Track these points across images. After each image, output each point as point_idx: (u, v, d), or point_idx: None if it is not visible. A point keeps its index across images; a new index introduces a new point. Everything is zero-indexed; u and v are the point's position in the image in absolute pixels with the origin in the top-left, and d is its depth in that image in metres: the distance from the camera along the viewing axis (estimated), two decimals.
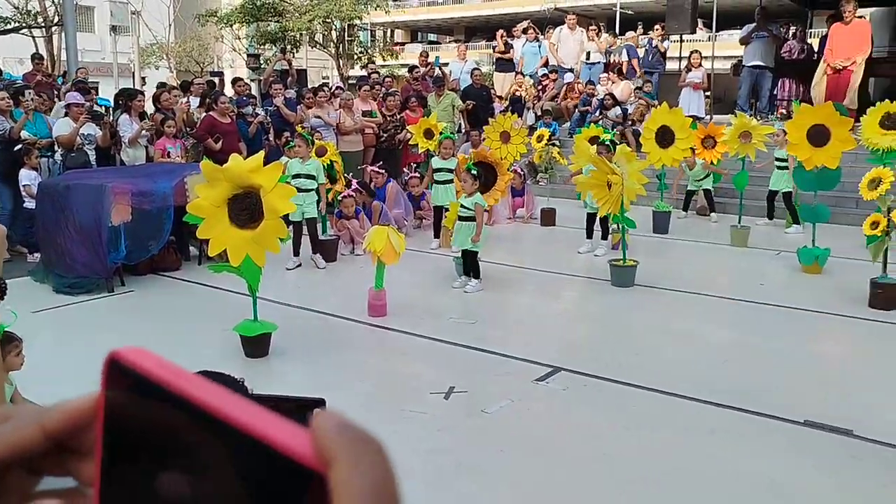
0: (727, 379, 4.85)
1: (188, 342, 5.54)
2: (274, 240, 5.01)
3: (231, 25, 27.69)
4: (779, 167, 9.58)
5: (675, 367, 5.06)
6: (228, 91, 11.90)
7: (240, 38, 31.71)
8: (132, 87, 15.42)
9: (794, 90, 14.09)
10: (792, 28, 15.53)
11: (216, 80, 15.76)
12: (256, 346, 5.21)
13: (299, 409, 1.41)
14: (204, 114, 9.95)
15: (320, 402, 1.42)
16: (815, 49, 14.24)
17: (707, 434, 4.09)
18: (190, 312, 6.40)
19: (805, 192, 8.40)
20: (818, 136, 7.30)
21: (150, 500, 0.37)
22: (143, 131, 8.98)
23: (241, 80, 12.19)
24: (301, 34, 26.62)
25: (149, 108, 10.00)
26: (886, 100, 7.93)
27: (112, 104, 10.46)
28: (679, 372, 4.97)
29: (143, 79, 30.01)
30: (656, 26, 14.78)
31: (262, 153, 5.14)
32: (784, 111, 13.60)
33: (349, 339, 5.74)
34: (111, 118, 9.42)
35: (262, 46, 27.19)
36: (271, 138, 10.82)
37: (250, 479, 0.34)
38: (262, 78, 14.00)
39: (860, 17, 12.28)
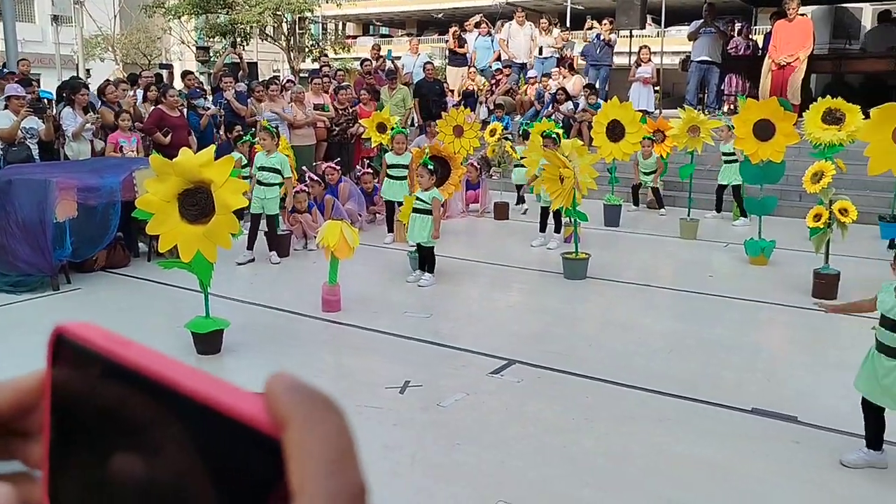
0: (676, 368, 4.95)
1: (140, 340, 5.40)
2: (226, 235, 4.96)
3: (179, 17, 27.19)
4: (726, 161, 9.78)
5: (625, 358, 5.15)
6: (179, 84, 11.70)
7: (189, 31, 31.16)
8: (76, 78, 15.05)
9: (741, 85, 14.41)
10: (738, 24, 15.84)
11: (165, 72, 15.51)
12: (208, 343, 5.15)
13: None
14: (151, 107, 9.77)
15: None
16: (760, 45, 14.56)
17: (657, 423, 4.17)
18: (140, 310, 6.30)
19: (751, 186, 8.59)
20: (763, 130, 7.48)
21: (103, 481, 0.36)
22: (88, 125, 8.78)
23: (191, 73, 11.98)
24: (251, 27, 26.27)
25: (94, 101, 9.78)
26: (828, 95, 8.16)
27: (54, 97, 10.19)
28: (630, 362, 5.06)
29: (88, 71, 29.31)
30: (604, 21, 14.91)
31: (212, 147, 5.08)
32: (731, 106, 13.89)
33: (303, 334, 5.70)
34: (54, 111, 9.19)
35: (211, 39, 26.81)
36: (222, 132, 10.68)
37: (205, 450, 0.33)
38: (212, 71, 13.78)
39: (802, 14, 12.58)
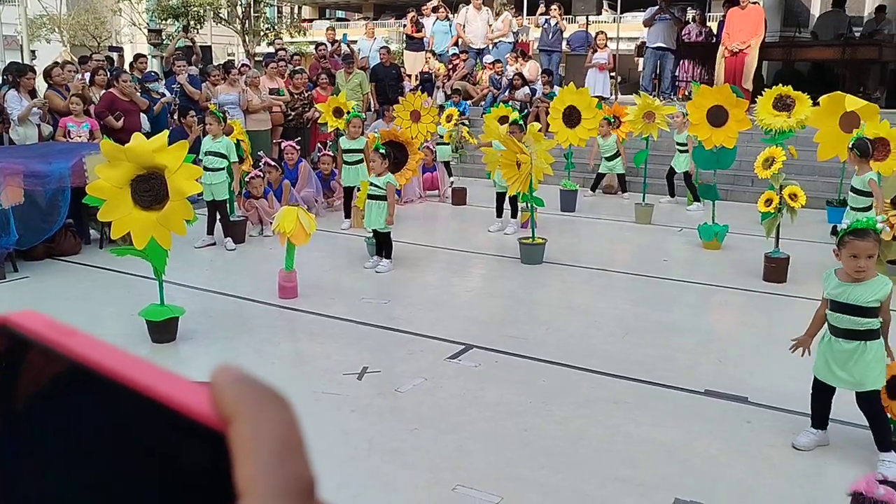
0: (632, 352, 5.03)
1: (91, 328, 5.27)
2: (180, 222, 4.88)
3: None
4: (680, 151, 9.90)
5: (581, 342, 5.21)
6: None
7: (140, 13, 30.47)
8: (21, 61, 14.61)
9: (695, 71, 14.59)
10: (692, 11, 16.02)
11: (115, 55, 15.15)
12: (163, 331, 5.07)
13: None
14: (101, 91, 9.55)
15: None
16: (714, 32, 14.75)
17: (613, 405, 4.23)
18: (91, 298, 6.18)
19: (704, 171, 8.72)
20: (717, 116, 7.60)
21: (41, 472, 0.35)
22: (35, 108, 8.55)
23: (143, 56, 11.72)
24: (205, 9, 25.80)
25: (40, 83, 9.51)
26: (779, 83, 8.30)
27: None
28: (585, 346, 5.12)
29: (33, 52, 28.49)
30: (553, 6, 14.89)
31: (165, 133, 4.98)
32: (685, 92, 14.07)
33: (259, 321, 5.65)
34: None
35: (164, 21, 26.24)
36: (175, 117, 10.49)
37: (147, 444, 0.32)
38: (164, 55, 13.50)
39: (754, 2, 12.77)
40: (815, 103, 8.31)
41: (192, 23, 24.87)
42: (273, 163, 8.91)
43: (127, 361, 0.34)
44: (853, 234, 3.51)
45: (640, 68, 14.70)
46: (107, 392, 0.33)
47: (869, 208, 6.56)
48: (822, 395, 3.73)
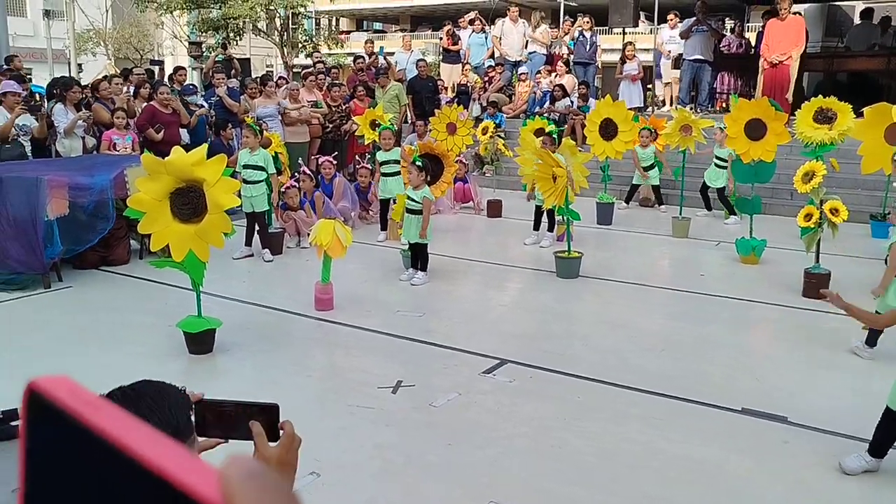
0: (668, 368, 4.97)
1: (130, 339, 5.44)
2: (218, 234, 4.95)
3: (171, 12, 27.08)
4: (718, 166, 9.80)
5: (617, 357, 5.17)
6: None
7: (181, 25, 31.04)
8: (68, 74, 14.96)
9: (733, 84, 14.43)
10: (730, 22, 15.87)
11: (156, 68, 15.45)
12: (200, 342, 5.14)
13: (249, 415, 1.39)
14: (143, 104, 9.75)
15: (272, 408, 1.40)
16: (753, 44, 14.58)
17: (648, 422, 4.19)
18: (131, 309, 6.28)
19: (742, 185, 8.61)
20: (755, 130, 7.50)
21: None
22: (80, 121, 8.75)
23: (183, 68, 11.94)
24: (244, 22, 26.19)
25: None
26: (819, 94, 8.18)
27: (45, 91, 10.14)
28: (621, 361, 5.08)
29: (80, 65, 29.18)
30: (583, 18, 14.87)
31: (205, 146, 5.07)
32: (723, 104, 13.91)
33: (295, 333, 5.70)
34: (45, 107, 9.15)
35: (204, 34, 26.69)
36: (213, 130, 10.66)
37: None
38: (203, 67, 13.74)
39: (795, 13, 12.60)
40: (859, 115, 8.18)
41: (231, 35, 25.28)
42: (308, 172, 9.00)
43: (144, 438, 0.35)
44: None
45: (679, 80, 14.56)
46: (120, 467, 0.34)
47: None
48: (892, 425, 3.56)
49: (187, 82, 11.55)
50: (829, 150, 7.75)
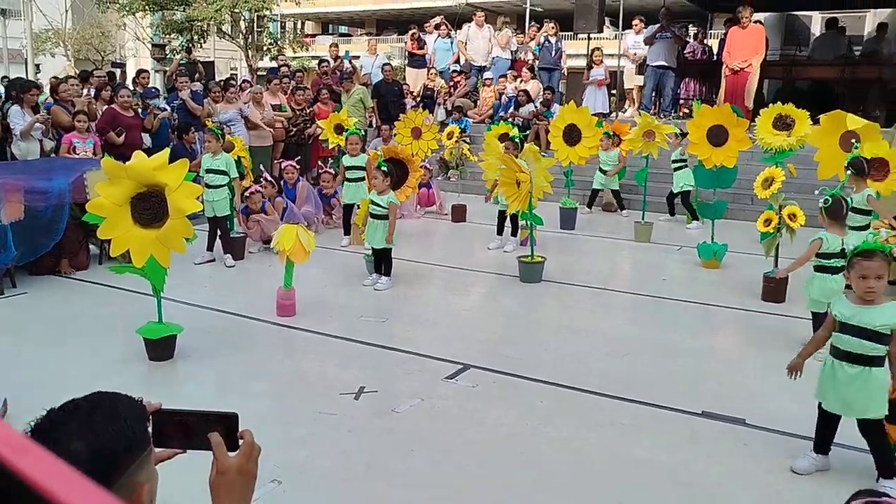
0: (629, 372, 5.01)
1: (88, 346, 5.35)
2: (179, 240, 4.89)
3: (134, 13, 26.70)
4: (675, 168, 9.95)
5: (580, 362, 5.20)
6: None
7: (144, 27, 30.64)
8: (25, 75, 14.67)
9: (697, 90, 14.63)
10: (693, 29, 16.09)
11: (118, 71, 15.24)
12: (161, 348, 5.07)
13: (207, 425, 1.37)
14: (104, 106, 9.60)
15: (231, 417, 1.39)
16: (715, 51, 14.80)
17: (612, 427, 4.21)
18: (90, 315, 6.17)
19: (704, 190, 8.74)
20: (717, 136, 7.61)
21: None
22: (37, 123, 8.58)
23: (146, 71, 11.78)
24: (208, 24, 25.93)
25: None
26: (778, 101, 8.32)
27: (3, 94, 9.94)
28: (584, 366, 5.11)
29: (38, 66, 28.66)
30: (549, 23, 14.97)
31: (167, 150, 5.00)
32: (687, 110, 14.09)
33: (257, 339, 5.65)
34: (1, 110, 8.97)
35: (167, 36, 26.37)
36: (176, 134, 10.54)
37: None
38: (167, 69, 13.58)
39: (756, 21, 12.82)
40: (815, 122, 8.33)
41: (195, 38, 25.01)
42: (271, 179, 8.92)
43: (70, 486, 0.34)
44: (860, 256, 3.48)
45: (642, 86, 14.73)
46: None
47: (867, 227, 6.55)
48: (829, 421, 3.69)
49: (150, 85, 11.41)
50: (787, 156, 7.89)
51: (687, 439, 4.08)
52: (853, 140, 7.28)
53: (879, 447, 3.53)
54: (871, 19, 22.13)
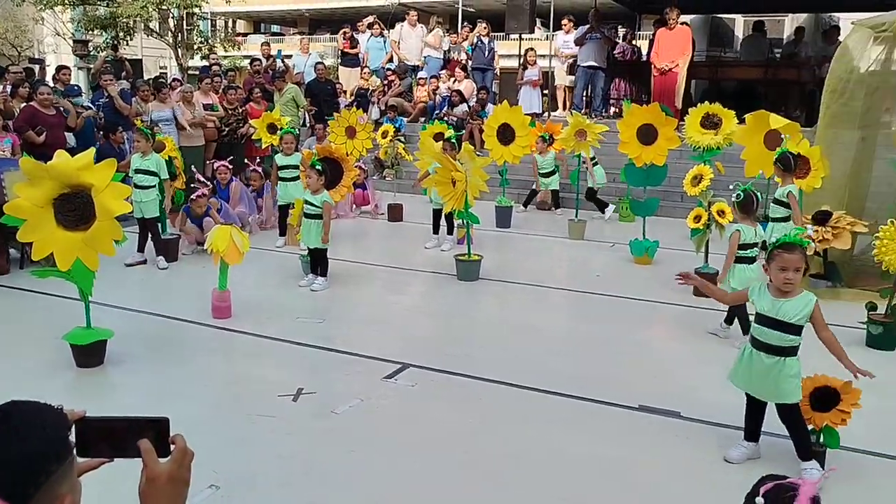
0: (567, 368, 5.07)
1: (11, 354, 5.14)
2: (108, 242, 4.74)
3: (52, 7, 25.74)
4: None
5: (518, 358, 5.24)
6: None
7: (64, 22, 29.60)
8: None
9: (626, 90, 14.92)
10: (622, 30, 16.40)
11: (36, 67, 14.71)
12: (90, 355, 4.90)
13: (136, 431, 1.32)
14: (22, 104, 9.24)
15: (161, 422, 1.34)
16: (644, 51, 15.13)
17: (551, 423, 4.26)
18: (13, 321, 5.94)
19: (636, 188, 8.91)
20: (647, 134, 7.77)
21: None
22: None
23: (67, 68, 11.38)
24: (134, 21, 25.22)
25: None
26: (706, 101, 8.54)
27: None
28: (522, 363, 5.15)
29: None
30: (481, 24, 15.07)
31: (92, 150, 4.84)
32: (617, 110, 14.36)
33: (192, 342, 5.52)
34: None
35: (90, 32, 25.57)
36: (101, 134, 10.22)
37: None
38: (91, 67, 13.17)
39: (683, 23, 13.15)
40: (741, 121, 8.59)
41: (121, 34, 24.31)
42: (204, 179, 8.74)
43: None
44: (781, 248, 3.60)
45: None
46: None
47: (788, 218, 6.79)
48: (755, 408, 3.82)
49: (72, 82, 11.04)
50: (715, 154, 8.10)
51: (626, 433, 4.15)
52: (783, 136, 7.54)
53: (797, 430, 3.67)
54: (790, 23, 22.96)
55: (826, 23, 17.21)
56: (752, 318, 3.87)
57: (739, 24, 20.86)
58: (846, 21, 13.26)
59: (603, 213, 10.49)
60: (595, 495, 3.53)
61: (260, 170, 9.82)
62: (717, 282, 5.55)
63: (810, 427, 3.74)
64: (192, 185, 8.56)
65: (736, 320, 5.62)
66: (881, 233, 5.46)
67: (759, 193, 5.71)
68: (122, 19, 24.66)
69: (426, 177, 8.10)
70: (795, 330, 3.60)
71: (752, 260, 5.43)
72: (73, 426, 1.28)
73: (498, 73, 16.13)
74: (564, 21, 15.03)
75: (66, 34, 29.26)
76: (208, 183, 8.71)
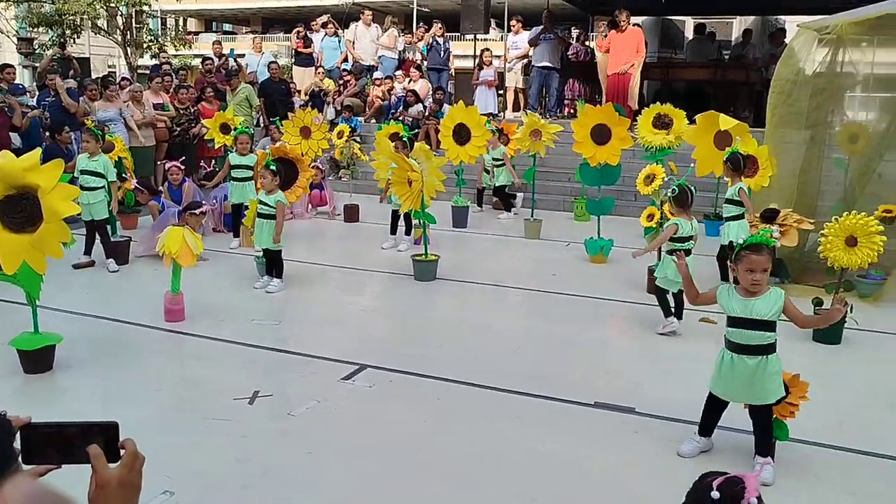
0: (524, 366, 5.11)
1: None
2: (56, 244, 4.63)
3: None
4: (496, 165, 10.60)
5: (475, 358, 5.26)
6: None
7: (7, 19, 28.81)
8: None
9: (580, 90, 15.07)
10: (575, 31, 16.55)
11: None
12: (38, 360, 4.78)
13: (85, 436, 1.29)
14: None
15: (111, 426, 1.31)
16: (596, 52, 15.27)
17: (509, 421, 4.28)
18: None
19: (590, 187, 9.01)
20: (600, 134, 7.86)
21: None
22: None
23: (10, 66, 11.08)
24: (81, 18, 24.68)
25: None
26: (658, 101, 8.68)
27: None
28: (479, 362, 5.17)
29: None
30: (436, 24, 15.09)
31: (38, 150, 4.72)
32: (571, 110, 14.50)
33: (144, 346, 5.42)
34: None
35: (35, 29, 24.94)
36: (48, 134, 9.99)
37: None
38: (37, 65, 12.86)
39: (635, 24, 13.32)
40: (692, 122, 8.74)
41: (67, 33, 23.77)
42: (142, 188, 8.61)
43: None
44: (749, 249, 3.60)
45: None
46: None
47: (741, 216, 6.93)
48: (715, 408, 3.86)
49: (17, 81, 10.76)
50: (667, 154, 8.24)
51: (582, 430, 4.20)
52: (736, 136, 7.69)
53: (766, 427, 3.71)
54: (738, 25, 23.44)
55: (773, 25, 17.62)
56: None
57: (690, 26, 21.22)
58: (792, 24, 13.58)
59: (509, 211, 10.70)
60: (552, 492, 3.56)
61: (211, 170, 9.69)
62: (635, 256, 5.97)
63: None
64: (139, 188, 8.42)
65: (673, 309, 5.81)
66: (826, 230, 5.60)
67: (693, 188, 5.90)
68: (69, 17, 24.11)
69: (388, 187, 8.06)
70: (772, 326, 3.63)
71: (688, 252, 5.52)
72: (18, 433, 1.25)
73: (453, 74, 16.15)
74: (513, 22, 15.07)
75: (10, 32, 28.49)
76: (143, 189, 8.57)
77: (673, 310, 5.80)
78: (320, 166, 10.61)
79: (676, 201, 5.79)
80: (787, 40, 10.98)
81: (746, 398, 3.74)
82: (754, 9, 18.48)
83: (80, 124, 9.61)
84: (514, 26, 15.01)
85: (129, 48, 26.33)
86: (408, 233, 8.63)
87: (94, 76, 13.64)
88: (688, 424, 4.07)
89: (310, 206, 10.54)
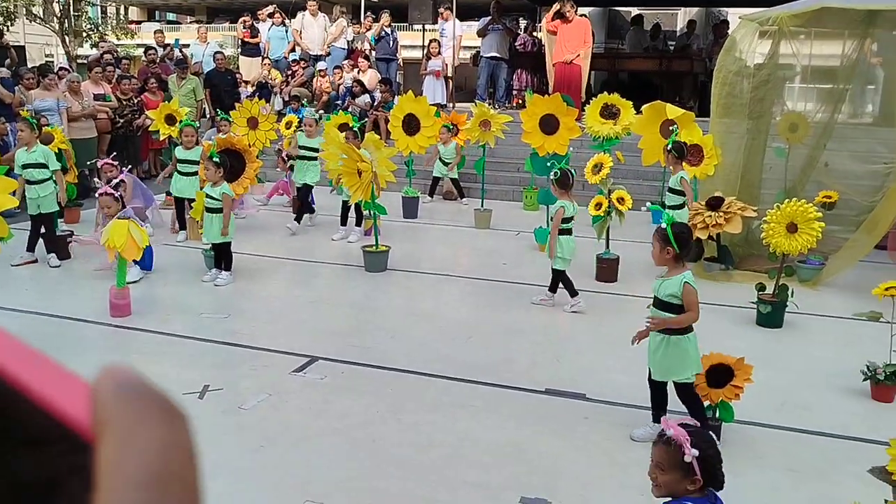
0: (474, 355, 5.14)
1: None
2: None
3: None
4: (444, 162, 10.75)
5: (426, 347, 5.27)
6: None
7: None
8: None
9: (529, 80, 15.14)
10: (523, 22, 16.61)
11: None
12: None
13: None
14: None
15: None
16: (544, 43, 15.36)
17: (460, 409, 4.31)
18: None
19: (539, 177, 9.07)
20: (548, 124, 7.92)
21: None
22: None
23: None
24: (15, 5, 23.91)
25: None
26: (605, 92, 8.78)
27: None
28: (430, 351, 5.18)
29: None
30: (382, 14, 14.99)
31: None
32: (520, 100, 14.56)
33: (89, 342, 5.31)
34: None
35: None
36: None
37: (8, 448, 0.27)
38: None
39: (581, 15, 13.43)
40: (638, 111, 8.86)
41: (1, 20, 23.03)
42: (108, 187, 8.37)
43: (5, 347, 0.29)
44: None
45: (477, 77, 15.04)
46: None
47: (682, 206, 7.06)
48: (656, 389, 3.97)
49: None
50: (614, 144, 8.34)
51: (532, 417, 4.24)
52: (672, 126, 7.82)
53: (692, 406, 3.86)
54: (683, 16, 23.81)
55: (716, 17, 17.93)
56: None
57: (630, 19, 21.46)
58: (734, 16, 13.84)
59: (463, 198, 10.93)
60: (501, 478, 3.60)
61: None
62: (542, 248, 5.98)
63: (707, 403, 3.92)
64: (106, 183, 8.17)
65: (561, 285, 6.12)
66: (768, 217, 5.75)
67: (573, 171, 6.23)
68: (2, 3, 23.34)
69: (339, 178, 7.99)
70: (672, 309, 3.78)
71: (570, 231, 6.01)
72: None
73: (401, 64, 16.07)
74: (441, 9, 14.82)
75: None
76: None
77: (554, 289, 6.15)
78: (284, 157, 10.43)
79: (559, 184, 6.06)
80: (730, 32, 11.18)
81: (655, 374, 3.94)
82: (697, 0, 18.79)
83: (15, 115, 9.33)
84: (442, 13, 14.86)
85: (67, 37, 25.61)
86: (358, 224, 8.59)
87: (30, 65, 13.21)
88: (637, 409, 4.14)
89: (280, 193, 10.40)
